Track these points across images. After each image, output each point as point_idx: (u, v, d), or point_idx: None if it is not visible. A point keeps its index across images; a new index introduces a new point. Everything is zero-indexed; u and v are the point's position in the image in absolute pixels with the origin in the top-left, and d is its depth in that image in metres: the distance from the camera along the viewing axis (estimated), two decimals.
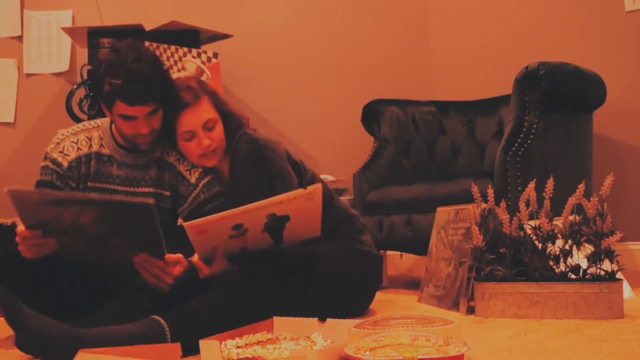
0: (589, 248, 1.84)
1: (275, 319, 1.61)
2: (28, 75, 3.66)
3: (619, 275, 1.85)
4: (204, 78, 2.91)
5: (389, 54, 3.77)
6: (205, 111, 1.90)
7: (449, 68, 3.73)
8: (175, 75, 2.13)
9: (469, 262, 1.98)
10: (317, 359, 1.23)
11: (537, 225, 1.90)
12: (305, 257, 1.85)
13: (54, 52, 3.66)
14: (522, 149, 2.36)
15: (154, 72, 1.79)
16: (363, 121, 3.24)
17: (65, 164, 1.91)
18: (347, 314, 1.83)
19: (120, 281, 1.80)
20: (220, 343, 1.36)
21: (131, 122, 1.82)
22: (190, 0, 3.69)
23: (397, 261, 3.45)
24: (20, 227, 1.62)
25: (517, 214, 1.94)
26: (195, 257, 1.74)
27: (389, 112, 3.16)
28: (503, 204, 1.96)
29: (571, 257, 1.85)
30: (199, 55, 3.11)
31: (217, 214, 1.63)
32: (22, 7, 3.66)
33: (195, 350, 1.38)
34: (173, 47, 3.06)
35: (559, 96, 2.43)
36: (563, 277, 1.84)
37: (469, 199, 2.06)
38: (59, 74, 3.67)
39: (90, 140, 1.95)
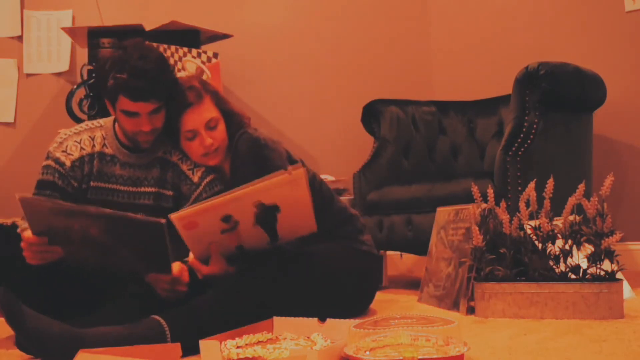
0: (589, 248, 1.84)
1: (275, 319, 1.61)
2: (28, 75, 3.67)
3: (619, 275, 1.85)
4: (204, 78, 2.91)
5: (389, 54, 3.77)
6: (207, 110, 1.91)
7: (449, 68, 3.73)
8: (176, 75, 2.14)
9: (469, 262, 1.98)
10: (317, 359, 1.23)
11: (537, 225, 1.90)
12: (305, 257, 1.85)
13: (54, 52, 3.67)
14: (522, 149, 2.36)
15: (159, 70, 1.79)
16: (363, 121, 3.24)
17: (68, 163, 1.91)
18: (347, 314, 1.83)
19: (120, 281, 1.80)
20: (220, 343, 1.36)
21: (133, 119, 1.82)
22: (190, 0, 3.69)
23: (397, 261, 3.45)
24: (27, 233, 1.62)
25: (517, 214, 1.94)
26: (191, 257, 1.75)
27: (389, 112, 3.16)
28: (503, 204, 1.96)
29: (571, 257, 1.85)
30: (199, 55, 3.11)
31: (202, 202, 1.64)
32: (22, 7, 3.66)
33: (195, 350, 1.38)
34: (173, 47, 3.06)
35: (559, 96, 2.43)
36: (563, 277, 1.84)
37: (469, 199, 2.06)
38: (59, 74, 3.67)
39: (93, 139, 1.95)
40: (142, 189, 1.93)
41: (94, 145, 1.94)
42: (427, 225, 2.43)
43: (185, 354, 1.42)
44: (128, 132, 1.87)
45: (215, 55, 3.15)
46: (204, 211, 1.62)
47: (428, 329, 1.29)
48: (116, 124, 1.95)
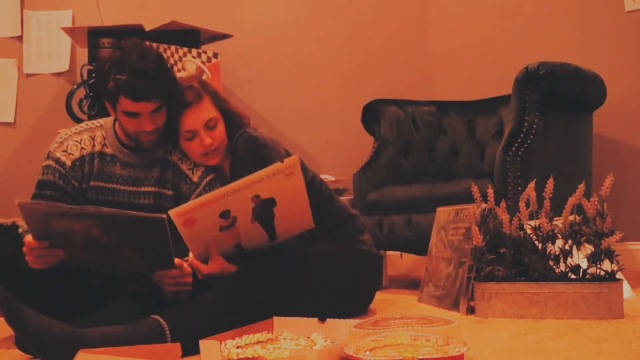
0: (589, 248, 1.84)
1: (275, 319, 1.61)
2: (28, 75, 3.67)
3: (619, 275, 1.85)
4: (204, 78, 2.91)
5: (389, 54, 3.77)
6: (207, 110, 1.91)
7: (449, 68, 3.73)
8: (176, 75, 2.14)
9: (469, 262, 1.98)
10: (317, 359, 1.23)
11: (537, 225, 1.90)
12: (305, 257, 1.85)
13: (54, 52, 3.67)
14: (522, 149, 2.36)
15: (158, 69, 1.79)
16: (363, 121, 3.24)
17: (68, 163, 1.91)
18: (347, 314, 1.83)
19: (120, 281, 1.80)
20: (220, 343, 1.36)
21: (135, 119, 1.82)
22: (190, 0, 3.69)
23: (397, 261, 3.45)
24: (28, 238, 1.63)
25: (517, 214, 1.94)
26: (190, 257, 1.75)
27: (389, 112, 3.16)
28: (503, 204, 1.96)
29: (571, 257, 1.85)
30: (199, 55, 3.11)
31: (200, 197, 1.65)
32: (22, 7, 3.66)
33: (195, 350, 1.38)
34: (173, 47, 3.06)
35: (559, 96, 2.43)
36: (563, 277, 1.84)
37: (469, 199, 2.06)
38: (59, 74, 3.67)
39: (93, 139, 1.95)
40: (143, 189, 1.93)
41: (94, 145, 1.94)
42: (427, 225, 2.44)
43: (185, 354, 1.42)
44: (130, 133, 1.87)
45: (215, 55, 3.15)
46: (202, 206, 1.63)
47: (428, 329, 1.29)
48: (116, 124, 1.95)
